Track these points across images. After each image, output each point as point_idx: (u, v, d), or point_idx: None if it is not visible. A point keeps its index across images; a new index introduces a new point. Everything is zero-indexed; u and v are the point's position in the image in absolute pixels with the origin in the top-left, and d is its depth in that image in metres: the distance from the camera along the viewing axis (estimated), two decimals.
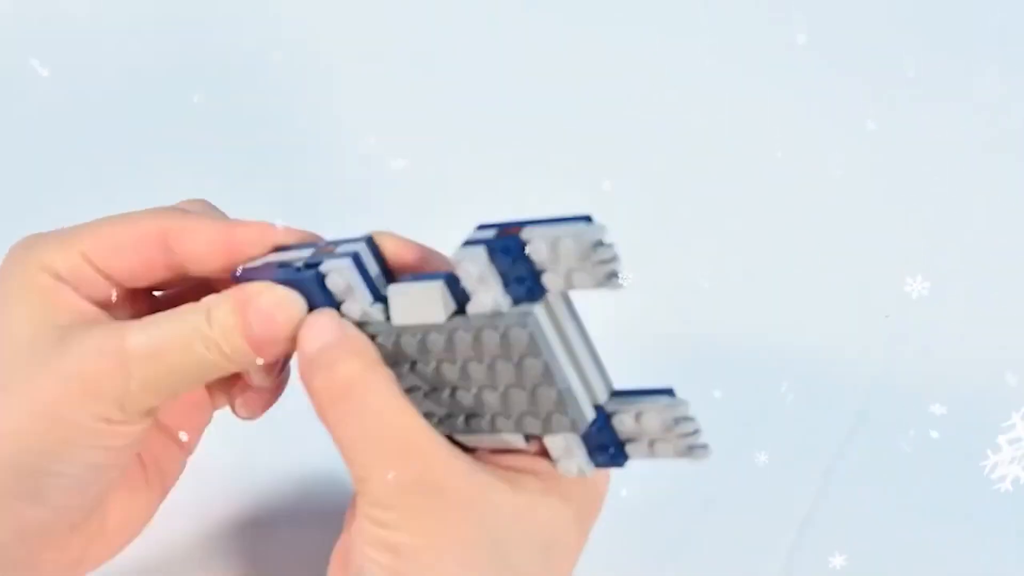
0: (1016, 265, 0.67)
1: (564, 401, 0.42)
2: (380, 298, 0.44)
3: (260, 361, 0.45)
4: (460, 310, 0.43)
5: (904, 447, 0.60)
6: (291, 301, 0.45)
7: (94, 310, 0.46)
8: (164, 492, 0.51)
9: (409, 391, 0.44)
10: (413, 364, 0.44)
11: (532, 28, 0.77)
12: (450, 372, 0.44)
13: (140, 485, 0.50)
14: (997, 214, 0.69)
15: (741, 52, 0.73)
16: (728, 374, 0.61)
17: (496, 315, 0.42)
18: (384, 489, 0.42)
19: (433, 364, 0.44)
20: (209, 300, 0.45)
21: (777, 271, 0.66)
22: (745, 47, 0.73)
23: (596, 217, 0.41)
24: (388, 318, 0.44)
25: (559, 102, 0.72)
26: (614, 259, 0.40)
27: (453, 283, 0.43)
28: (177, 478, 0.52)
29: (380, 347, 0.44)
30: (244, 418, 0.49)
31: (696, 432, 0.43)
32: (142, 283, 0.47)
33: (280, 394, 0.49)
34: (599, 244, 0.40)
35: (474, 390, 0.44)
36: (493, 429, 0.44)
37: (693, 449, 0.43)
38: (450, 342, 0.43)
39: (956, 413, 0.61)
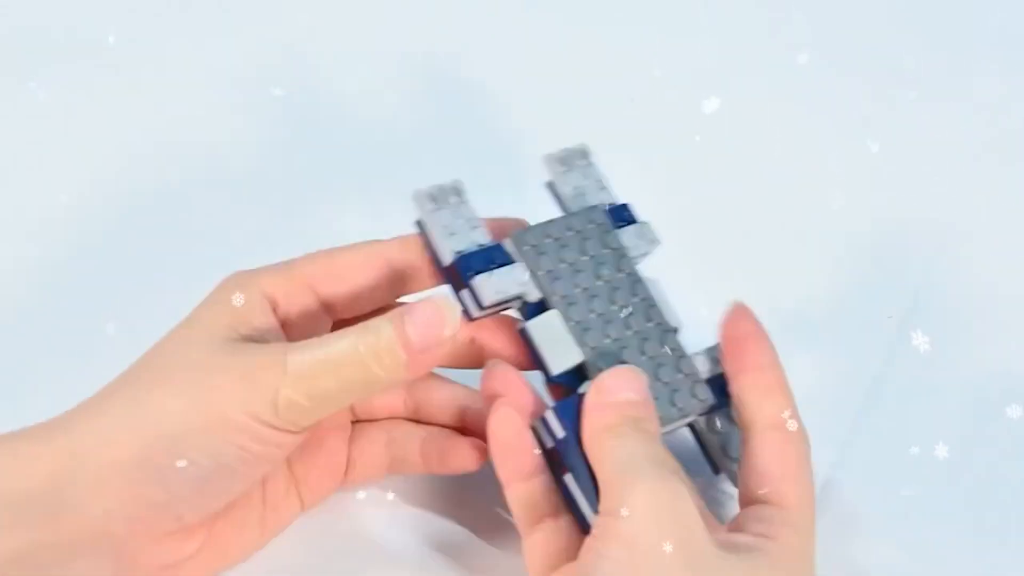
0: (1018, 266, 0.68)
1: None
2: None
3: (414, 373, 0.48)
4: None
5: (906, 453, 0.60)
6: (447, 308, 0.48)
7: (277, 330, 0.51)
8: (265, 539, 0.53)
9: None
10: None
11: (533, 35, 0.76)
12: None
13: (252, 521, 0.52)
14: (997, 215, 0.69)
15: (744, 72, 0.72)
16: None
17: None
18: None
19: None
20: (373, 320, 0.49)
21: (777, 275, 0.66)
22: (748, 66, 0.72)
23: None
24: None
25: (561, 116, 0.73)
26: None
27: None
28: (281, 531, 0.54)
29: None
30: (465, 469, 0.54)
31: None
32: (359, 310, 0.52)
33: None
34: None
35: None
36: None
37: None
38: None
39: (957, 418, 0.62)
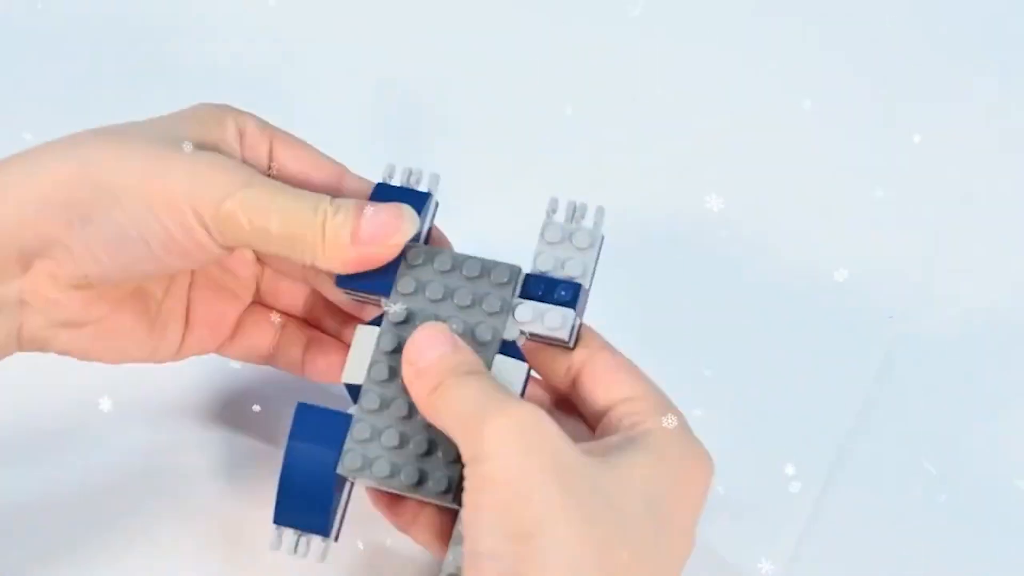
0: (1018, 266, 0.68)
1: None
2: None
3: (352, 262, 0.49)
4: None
5: (906, 450, 0.61)
6: (409, 216, 0.49)
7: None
8: (143, 355, 0.54)
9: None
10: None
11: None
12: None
13: (141, 328, 0.54)
14: (998, 216, 0.69)
15: (750, 118, 0.72)
16: (725, 375, 0.62)
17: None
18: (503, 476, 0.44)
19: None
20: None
21: (779, 272, 0.67)
22: (754, 113, 0.72)
23: None
24: None
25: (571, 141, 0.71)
26: None
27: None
28: (156, 360, 0.55)
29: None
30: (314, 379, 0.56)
31: None
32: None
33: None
34: None
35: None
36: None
37: None
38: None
39: (955, 414, 0.62)
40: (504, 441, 0.44)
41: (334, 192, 0.51)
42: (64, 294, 0.50)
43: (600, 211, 0.51)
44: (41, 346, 0.52)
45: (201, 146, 0.50)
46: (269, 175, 0.52)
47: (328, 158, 0.53)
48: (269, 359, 0.57)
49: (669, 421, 0.48)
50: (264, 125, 0.53)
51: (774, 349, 0.64)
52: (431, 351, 0.47)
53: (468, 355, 0.47)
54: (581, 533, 0.44)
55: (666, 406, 0.49)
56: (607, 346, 0.51)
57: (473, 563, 0.44)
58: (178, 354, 0.55)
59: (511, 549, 0.43)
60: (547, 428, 0.45)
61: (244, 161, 0.51)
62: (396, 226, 0.49)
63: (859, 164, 0.70)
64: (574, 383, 0.51)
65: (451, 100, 0.73)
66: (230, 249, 0.50)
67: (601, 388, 0.50)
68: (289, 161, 0.52)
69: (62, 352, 0.52)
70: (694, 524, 0.48)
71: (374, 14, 0.75)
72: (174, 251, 0.49)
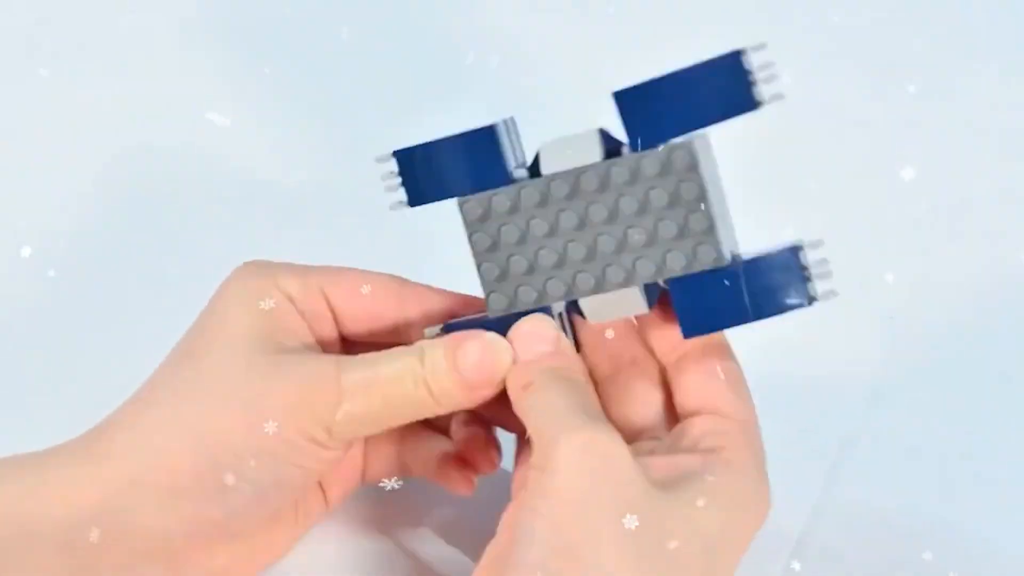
0: (1017, 265, 0.67)
1: (713, 226, 0.46)
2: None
3: (465, 404, 0.49)
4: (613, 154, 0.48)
5: (906, 451, 0.60)
6: (499, 348, 0.48)
7: (313, 341, 0.50)
8: (296, 540, 0.54)
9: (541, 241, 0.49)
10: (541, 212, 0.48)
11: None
12: (596, 213, 0.48)
13: (288, 524, 0.53)
14: (998, 216, 0.69)
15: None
16: None
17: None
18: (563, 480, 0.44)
19: (578, 207, 0.48)
20: (423, 343, 0.48)
21: None
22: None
23: None
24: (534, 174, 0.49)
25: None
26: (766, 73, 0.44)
27: (604, 135, 0.48)
28: (307, 530, 0.54)
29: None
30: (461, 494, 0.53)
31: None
32: (362, 333, 0.52)
33: (492, 464, 0.53)
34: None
35: (619, 232, 0.47)
36: (622, 279, 0.48)
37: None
38: (606, 178, 0.47)
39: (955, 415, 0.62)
40: (573, 461, 0.44)
41: (404, 313, 0.51)
42: (212, 550, 0.49)
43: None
44: None
45: (275, 345, 0.48)
46: (343, 339, 0.52)
47: (377, 276, 0.52)
48: (403, 474, 0.55)
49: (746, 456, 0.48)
50: (305, 279, 0.51)
51: (773, 346, 0.63)
52: (535, 345, 0.48)
53: (568, 359, 0.49)
54: (629, 569, 0.43)
55: (751, 432, 0.49)
56: (718, 347, 0.50)
57: (517, 571, 0.44)
58: (328, 511, 0.55)
59: (557, 565, 0.43)
60: (619, 457, 0.45)
61: (311, 331, 0.51)
62: (493, 362, 0.48)
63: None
64: (675, 366, 0.51)
65: None
66: (351, 444, 0.51)
67: (695, 388, 0.50)
68: (349, 311, 0.51)
69: None
70: (736, 565, 0.48)
71: None
72: (308, 476, 0.49)
